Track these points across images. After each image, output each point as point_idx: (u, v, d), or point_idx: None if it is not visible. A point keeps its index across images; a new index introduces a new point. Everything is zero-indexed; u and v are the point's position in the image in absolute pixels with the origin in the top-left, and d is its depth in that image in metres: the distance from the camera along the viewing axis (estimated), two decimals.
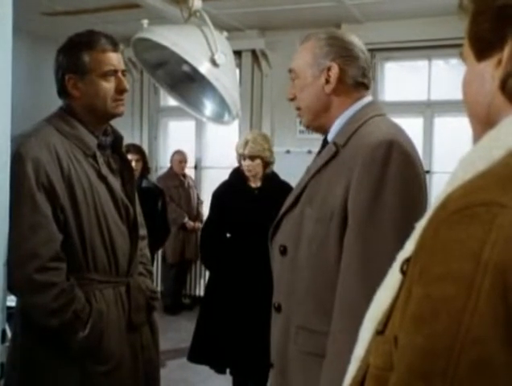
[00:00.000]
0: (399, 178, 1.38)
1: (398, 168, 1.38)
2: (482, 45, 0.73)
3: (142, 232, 2.11)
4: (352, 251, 1.39)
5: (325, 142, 1.60)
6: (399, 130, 1.51)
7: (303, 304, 1.49)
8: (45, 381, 1.81)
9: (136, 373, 1.94)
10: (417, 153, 1.48)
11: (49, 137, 1.80)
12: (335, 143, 1.50)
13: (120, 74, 1.87)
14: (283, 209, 1.58)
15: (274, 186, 3.29)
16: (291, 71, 1.61)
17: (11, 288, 1.74)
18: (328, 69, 1.52)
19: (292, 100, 1.61)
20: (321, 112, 1.56)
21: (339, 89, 1.53)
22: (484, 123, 0.74)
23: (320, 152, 1.60)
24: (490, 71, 0.72)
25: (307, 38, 1.59)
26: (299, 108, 1.60)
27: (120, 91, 1.86)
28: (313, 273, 1.47)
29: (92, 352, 1.80)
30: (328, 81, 1.52)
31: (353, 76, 1.53)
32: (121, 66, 1.89)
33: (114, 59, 1.85)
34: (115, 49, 1.86)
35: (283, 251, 1.55)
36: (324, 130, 1.61)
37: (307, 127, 1.67)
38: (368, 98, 1.58)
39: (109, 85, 1.84)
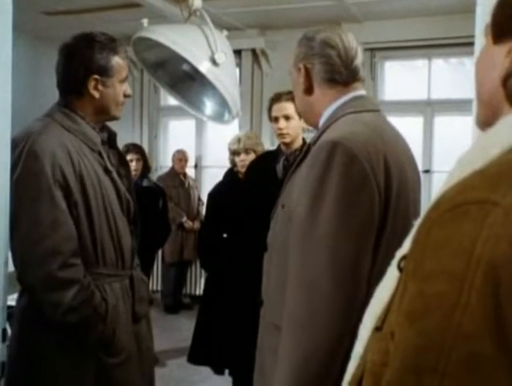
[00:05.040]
0: (339, 183, 1.29)
1: (340, 171, 1.29)
2: (498, 29, 0.74)
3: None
4: (291, 261, 1.36)
5: None
6: (363, 128, 1.38)
7: (273, 301, 1.52)
8: (59, 375, 1.79)
9: (142, 363, 1.97)
10: (377, 154, 1.33)
11: (59, 133, 1.82)
12: (309, 143, 1.51)
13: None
14: (273, 209, 1.61)
15: None
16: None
17: (28, 286, 1.75)
18: (299, 70, 1.53)
19: None
20: (307, 112, 1.58)
21: (313, 89, 1.53)
22: (486, 107, 0.76)
23: None
24: (501, 57, 0.73)
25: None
26: None
27: (126, 96, 1.95)
28: (279, 272, 1.49)
29: (106, 346, 1.81)
30: (303, 82, 1.53)
31: (320, 74, 1.50)
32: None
33: (127, 65, 1.95)
34: (126, 56, 1.96)
35: (266, 249, 1.60)
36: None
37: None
38: (349, 95, 1.49)
39: (121, 90, 1.92)
